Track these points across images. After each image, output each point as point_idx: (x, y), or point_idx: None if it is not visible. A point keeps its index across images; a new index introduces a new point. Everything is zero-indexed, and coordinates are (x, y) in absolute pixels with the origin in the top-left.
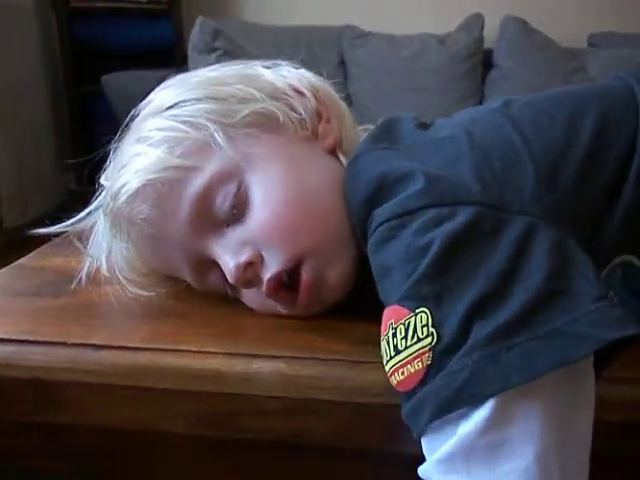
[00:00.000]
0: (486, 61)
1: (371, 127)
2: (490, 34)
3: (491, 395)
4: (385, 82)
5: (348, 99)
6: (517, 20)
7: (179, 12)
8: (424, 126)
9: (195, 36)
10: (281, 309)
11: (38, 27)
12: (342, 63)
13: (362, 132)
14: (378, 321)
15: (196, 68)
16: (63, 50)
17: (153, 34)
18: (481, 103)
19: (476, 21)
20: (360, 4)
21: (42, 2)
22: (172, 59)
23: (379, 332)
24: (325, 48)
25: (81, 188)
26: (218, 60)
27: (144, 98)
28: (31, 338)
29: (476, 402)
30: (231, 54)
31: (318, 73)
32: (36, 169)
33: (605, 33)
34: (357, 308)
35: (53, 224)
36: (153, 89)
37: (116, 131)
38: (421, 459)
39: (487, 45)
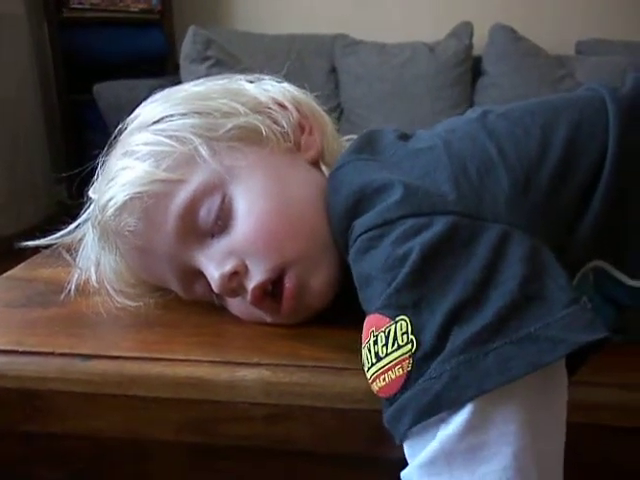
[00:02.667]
0: (475, 68)
1: (354, 137)
2: (479, 42)
3: (469, 399)
4: (376, 89)
5: (339, 106)
6: (506, 28)
7: (171, 21)
8: (405, 137)
9: (187, 45)
10: (266, 317)
11: (30, 37)
12: (333, 71)
13: (346, 142)
14: (360, 328)
15: (188, 77)
16: (55, 60)
17: (145, 43)
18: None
19: (465, 29)
20: (351, 13)
21: (34, 12)
22: (164, 68)
23: (361, 339)
24: (316, 56)
25: (72, 201)
26: (210, 69)
27: (136, 107)
28: (20, 349)
29: (455, 407)
30: (223, 63)
31: (307, 82)
32: (29, 178)
33: (592, 40)
34: (340, 316)
35: (43, 236)
36: (145, 98)
37: (108, 140)
38: (402, 464)
39: (476, 53)
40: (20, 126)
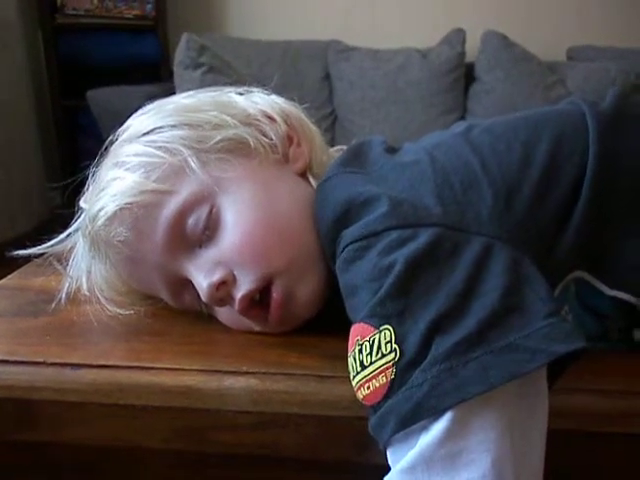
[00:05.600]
0: (468, 75)
1: (344, 148)
2: (471, 48)
3: (449, 407)
4: (369, 95)
5: (333, 112)
6: (498, 35)
7: (165, 28)
8: (392, 150)
9: (181, 52)
10: (254, 326)
11: (24, 43)
12: (327, 77)
13: (335, 153)
14: (347, 337)
15: (182, 83)
16: (49, 66)
17: (139, 50)
18: (463, 116)
19: (458, 36)
20: (344, 19)
21: (28, 18)
22: (158, 75)
23: (347, 347)
24: (310, 62)
25: (64, 210)
26: (204, 75)
27: (129, 113)
28: (11, 358)
29: (435, 414)
30: (217, 70)
31: (301, 88)
32: (23, 184)
33: (583, 47)
34: (327, 324)
35: (34, 245)
36: (138, 104)
37: (101, 146)
38: (387, 470)
39: (469, 59)
40: (14, 132)
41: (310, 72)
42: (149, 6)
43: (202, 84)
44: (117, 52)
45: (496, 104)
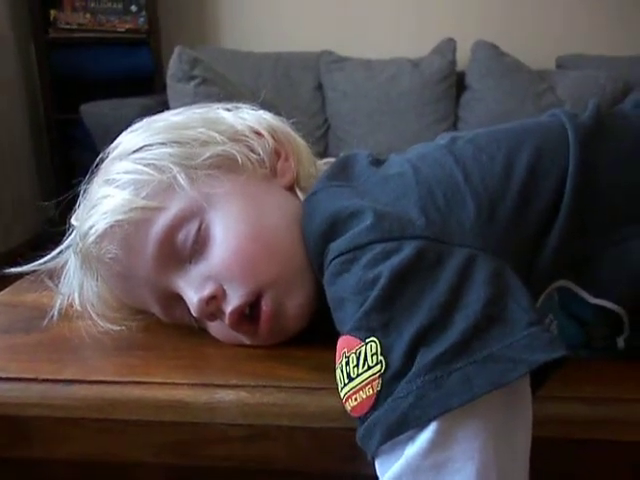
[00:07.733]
0: (459, 84)
1: (332, 160)
2: (462, 58)
3: (434, 418)
4: (362, 105)
5: (326, 122)
6: (488, 44)
7: (158, 41)
8: (377, 162)
9: (173, 65)
10: (244, 339)
11: (17, 57)
12: (319, 87)
13: (323, 166)
14: (335, 349)
15: (175, 96)
16: (43, 80)
17: (132, 63)
18: (455, 124)
19: (448, 45)
20: (336, 30)
21: (21, 32)
22: (151, 87)
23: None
24: (303, 73)
25: (54, 228)
26: (197, 88)
27: (123, 126)
28: (3, 375)
29: (420, 425)
30: (210, 82)
31: (294, 99)
32: (16, 197)
33: (572, 55)
34: (316, 336)
35: (26, 262)
36: (132, 117)
37: (95, 159)
38: None
39: (460, 68)
40: (7, 145)
41: (303, 83)
42: (142, 20)
43: (195, 96)
44: (110, 65)
45: (487, 112)
